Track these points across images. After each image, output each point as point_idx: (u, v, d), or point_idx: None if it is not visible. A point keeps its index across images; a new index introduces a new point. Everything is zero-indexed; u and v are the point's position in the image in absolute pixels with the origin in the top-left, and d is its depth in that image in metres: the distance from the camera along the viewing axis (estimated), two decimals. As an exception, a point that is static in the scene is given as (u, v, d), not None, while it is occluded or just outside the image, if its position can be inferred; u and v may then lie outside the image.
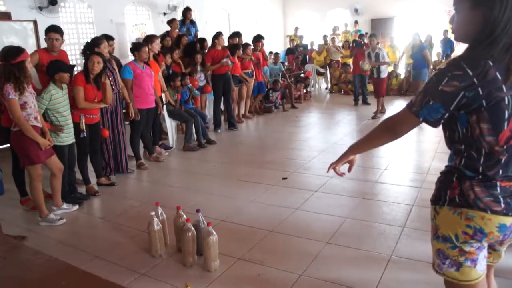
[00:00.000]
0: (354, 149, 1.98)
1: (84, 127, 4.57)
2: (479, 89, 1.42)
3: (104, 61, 4.61)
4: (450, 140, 1.63)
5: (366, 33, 11.67)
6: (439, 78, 1.49)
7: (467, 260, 1.61)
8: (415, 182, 4.71)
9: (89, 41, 5.10)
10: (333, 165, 2.01)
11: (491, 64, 1.41)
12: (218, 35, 7.89)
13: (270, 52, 11.96)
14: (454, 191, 1.59)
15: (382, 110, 8.86)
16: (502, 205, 1.52)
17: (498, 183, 1.53)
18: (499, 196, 1.52)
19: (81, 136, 4.57)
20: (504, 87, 1.42)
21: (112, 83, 5.05)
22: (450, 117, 1.53)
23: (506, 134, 1.48)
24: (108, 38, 5.69)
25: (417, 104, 1.55)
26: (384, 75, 8.68)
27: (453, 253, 1.62)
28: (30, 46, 6.96)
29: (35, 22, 7.49)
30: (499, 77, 1.42)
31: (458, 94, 1.45)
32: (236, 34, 8.64)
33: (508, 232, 1.56)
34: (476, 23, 1.48)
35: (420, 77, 8.51)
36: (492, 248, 1.74)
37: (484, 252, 1.63)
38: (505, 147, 1.50)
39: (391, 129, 1.71)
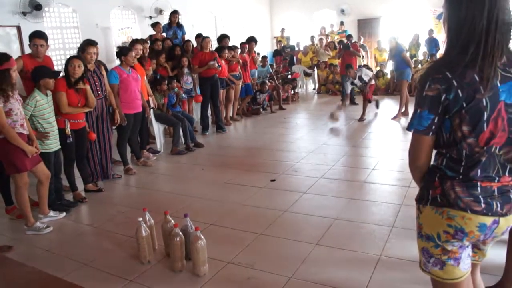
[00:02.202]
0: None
1: (69, 132, 4.52)
2: (459, 91, 1.47)
3: (84, 65, 4.57)
4: (435, 145, 1.65)
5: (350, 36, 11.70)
6: (422, 85, 1.55)
7: (450, 259, 1.64)
8: (403, 182, 4.74)
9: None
10: None
11: (468, 66, 1.47)
12: (204, 38, 7.89)
13: (258, 54, 11.97)
14: (435, 191, 1.62)
15: (405, 113, 8.60)
16: (482, 205, 1.55)
17: (478, 183, 1.56)
18: (480, 196, 1.55)
19: (68, 141, 4.53)
20: (481, 88, 1.46)
21: (98, 88, 5.01)
22: (439, 122, 1.56)
23: (486, 135, 1.51)
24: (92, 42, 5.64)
25: (410, 119, 1.62)
26: (372, 82, 8.74)
27: (436, 252, 1.66)
28: (14, 52, 6.87)
29: (18, 28, 7.42)
30: (477, 79, 1.46)
31: (441, 96, 1.50)
32: (225, 36, 8.63)
33: (489, 232, 1.59)
34: (451, 24, 1.55)
35: (403, 76, 8.50)
36: (476, 247, 1.77)
37: (467, 251, 1.66)
38: (485, 148, 1.53)
39: (410, 157, 1.71)
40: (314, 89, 13.58)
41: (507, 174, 1.57)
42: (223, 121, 8.36)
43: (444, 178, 1.61)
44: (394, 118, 8.39)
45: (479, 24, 1.46)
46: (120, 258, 3.38)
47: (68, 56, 4.81)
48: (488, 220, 1.55)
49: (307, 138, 7.41)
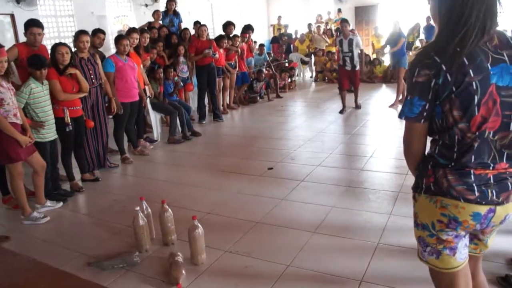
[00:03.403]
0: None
1: (69, 120, 4.50)
2: (447, 75, 1.45)
3: (75, 52, 4.54)
4: (429, 132, 1.62)
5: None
6: (412, 71, 1.52)
7: (445, 249, 1.62)
8: (401, 169, 4.73)
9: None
10: None
11: (458, 49, 1.44)
12: (200, 26, 7.83)
13: (255, 42, 11.90)
14: (429, 179, 1.60)
15: (402, 101, 8.55)
16: (476, 194, 1.51)
17: (472, 171, 1.52)
18: (473, 184, 1.52)
19: (67, 130, 4.51)
20: (471, 71, 1.43)
21: (92, 76, 4.97)
22: (431, 109, 1.54)
23: (477, 119, 1.47)
24: (99, 31, 5.76)
25: (401, 107, 1.60)
26: (358, 67, 8.12)
27: (431, 241, 1.64)
28: (8, 40, 6.84)
29: (12, 16, 7.33)
30: (466, 62, 1.43)
31: (431, 82, 1.48)
32: (230, 23, 8.55)
33: (485, 221, 1.55)
34: (440, 10, 1.53)
35: (400, 64, 8.42)
36: (477, 238, 1.73)
37: (464, 241, 1.64)
38: (477, 133, 1.49)
39: (404, 145, 1.69)
40: (311, 77, 13.53)
41: (504, 160, 1.53)
42: (220, 110, 8.33)
43: (437, 166, 1.58)
44: (391, 105, 8.38)
45: (466, 7, 1.44)
46: (117, 247, 3.37)
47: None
48: (483, 209, 1.52)
49: (304, 126, 7.39)
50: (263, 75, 9.93)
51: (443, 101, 1.49)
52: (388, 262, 2.97)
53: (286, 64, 12.42)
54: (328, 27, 13.56)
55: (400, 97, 8.45)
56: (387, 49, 9.03)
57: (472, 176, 1.51)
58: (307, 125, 7.47)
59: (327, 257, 3.07)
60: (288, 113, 8.68)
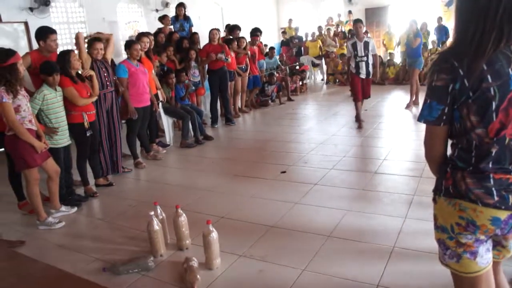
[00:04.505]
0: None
1: (88, 125, 4.56)
2: (465, 80, 1.43)
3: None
4: (450, 135, 1.61)
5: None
6: (431, 76, 1.52)
7: (466, 252, 1.59)
8: (415, 172, 4.68)
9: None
10: None
11: (476, 54, 1.41)
12: (210, 30, 7.87)
13: (265, 45, 11.91)
14: (448, 182, 1.59)
15: (416, 102, 8.33)
16: (496, 198, 1.48)
17: (491, 175, 1.49)
18: (493, 189, 1.49)
19: (87, 134, 4.58)
20: (489, 77, 1.40)
21: (107, 79, 5.03)
22: (450, 112, 1.53)
23: (495, 126, 1.45)
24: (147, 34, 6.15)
25: (420, 110, 1.59)
26: (372, 74, 7.11)
27: (451, 244, 1.61)
28: (22, 48, 6.90)
29: (26, 24, 7.41)
30: (485, 67, 1.40)
31: (448, 86, 1.47)
32: (235, 27, 8.56)
33: (506, 226, 1.52)
34: (463, 13, 1.50)
35: (416, 65, 8.33)
36: (500, 245, 1.70)
37: (486, 246, 1.60)
38: (495, 139, 1.47)
39: (425, 148, 1.68)
40: (322, 79, 13.49)
41: None
42: (232, 114, 8.33)
43: (456, 169, 1.57)
44: (406, 107, 8.30)
45: (491, 13, 1.40)
46: (132, 252, 3.38)
47: (76, 51, 4.79)
48: (503, 214, 1.48)
49: (316, 129, 7.37)
50: (275, 78, 9.93)
51: (460, 106, 1.48)
52: (404, 266, 2.93)
53: (297, 67, 12.39)
54: (340, 29, 13.50)
55: (414, 98, 8.38)
56: (399, 48, 8.89)
57: (492, 180, 1.49)
58: (319, 128, 7.45)
59: (342, 262, 3.05)
60: (299, 116, 8.67)
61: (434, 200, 1.68)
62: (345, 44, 9.76)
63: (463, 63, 1.43)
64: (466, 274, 1.61)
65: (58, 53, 4.60)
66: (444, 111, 1.52)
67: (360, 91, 7.07)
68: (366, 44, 6.86)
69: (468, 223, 1.53)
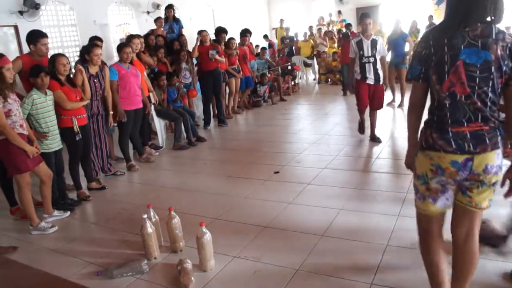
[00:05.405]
0: (411, 143, 2.27)
1: (78, 129, 4.54)
2: (432, 48, 2.03)
3: (68, 61, 4.62)
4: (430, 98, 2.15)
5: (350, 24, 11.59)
6: (416, 45, 2.18)
7: (429, 197, 2.15)
8: (408, 170, 4.67)
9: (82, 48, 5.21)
10: (406, 162, 2.38)
11: (443, 32, 2.02)
12: (201, 31, 7.87)
13: (256, 46, 11.91)
14: (422, 138, 2.13)
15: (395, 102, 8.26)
16: (454, 146, 1.99)
17: (449, 129, 2.01)
18: (451, 139, 2.00)
19: (77, 138, 4.55)
20: (446, 47, 1.98)
21: (99, 92, 5.07)
22: (426, 73, 2.07)
23: (447, 83, 2.00)
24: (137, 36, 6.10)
25: (409, 69, 2.18)
26: (382, 80, 5.94)
27: (422, 189, 2.17)
28: (12, 52, 6.85)
29: (16, 27, 7.37)
30: (445, 41, 1.99)
31: (422, 52, 2.07)
32: (222, 30, 8.55)
33: (464, 168, 2.00)
34: (447, 6, 2.07)
35: (403, 64, 8.28)
36: (469, 190, 2.08)
37: (447, 195, 2.13)
38: (447, 93, 2.00)
39: (409, 100, 2.21)
40: (314, 79, 13.52)
41: (479, 120, 1.98)
42: (224, 115, 8.33)
43: (427, 128, 2.09)
44: (399, 106, 8.32)
45: (454, 6, 2.01)
46: (126, 255, 3.37)
47: (67, 54, 4.78)
48: (460, 158, 1.99)
49: (309, 129, 7.38)
50: (267, 78, 9.94)
51: (429, 68, 2.05)
52: (398, 264, 2.94)
53: (289, 67, 12.41)
54: (330, 29, 13.53)
55: (392, 98, 8.39)
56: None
57: (450, 133, 2.00)
58: (312, 128, 7.46)
59: (336, 261, 3.06)
60: (292, 116, 8.68)
61: (416, 155, 2.19)
62: (342, 43, 9.72)
63: (434, 37, 2.04)
64: (424, 211, 2.20)
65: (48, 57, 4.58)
66: (422, 70, 2.08)
67: (366, 98, 5.92)
68: (374, 43, 5.74)
69: (436, 168, 2.05)
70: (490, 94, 1.95)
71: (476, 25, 1.93)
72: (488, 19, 1.94)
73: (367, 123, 6.24)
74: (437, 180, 2.07)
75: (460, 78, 1.95)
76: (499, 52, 1.91)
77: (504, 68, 1.93)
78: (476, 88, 1.94)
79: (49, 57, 4.63)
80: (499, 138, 1.99)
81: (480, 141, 1.96)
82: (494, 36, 1.92)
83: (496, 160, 1.98)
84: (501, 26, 1.99)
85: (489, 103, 1.96)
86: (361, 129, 6.29)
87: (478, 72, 1.93)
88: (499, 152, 2.00)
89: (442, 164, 2.02)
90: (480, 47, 1.92)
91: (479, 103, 1.95)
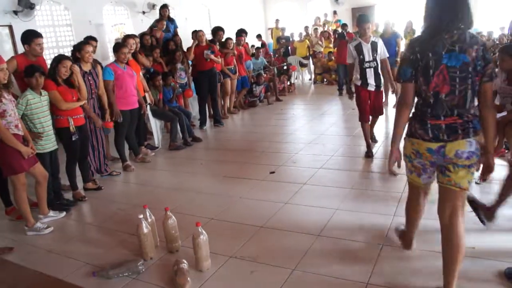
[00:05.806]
0: (394, 142, 2.57)
1: (74, 130, 4.52)
2: (418, 54, 2.35)
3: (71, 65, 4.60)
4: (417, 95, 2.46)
5: (345, 25, 11.59)
6: (405, 51, 2.52)
7: (414, 172, 2.57)
8: (403, 170, 4.69)
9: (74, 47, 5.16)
10: (390, 168, 2.62)
11: (426, 40, 2.33)
12: (197, 31, 7.86)
13: (252, 46, 11.91)
14: (409, 127, 2.50)
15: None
16: (430, 135, 2.36)
17: (428, 121, 2.37)
18: (429, 130, 2.36)
19: (73, 139, 4.53)
20: (430, 54, 2.30)
21: (93, 90, 5.06)
22: (416, 75, 2.37)
23: (432, 85, 2.32)
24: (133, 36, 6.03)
25: (399, 73, 2.48)
26: (382, 85, 5.55)
27: (409, 165, 2.59)
28: (6, 52, 6.83)
29: (10, 27, 7.34)
30: (430, 48, 2.30)
31: (410, 57, 2.38)
32: (219, 29, 8.55)
33: (438, 154, 2.37)
34: (427, 12, 2.40)
35: (395, 64, 8.25)
36: (448, 170, 2.39)
37: (428, 174, 2.53)
38: (432, 92, 2.33)
39: (399, 98, 2.53)
40: (310, 79, 13.53)
41: (455, 115, 2.31)
42: (220, 115, 8.33)
43: (412, 119, 2.47)
44: (394, 106, 8.32)
45: (434, 14, 2.33)
46: (122, 256, 3.36)
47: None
48: (434, 146, 2.36)
49: (305, 129, 7.39)
50: (263, 78, 9.94)
51: (417, 70, 2.36)
52: (393, 263, 2.95)
53: (285, 67, 12.42)
54: (326, 29, 13.54)
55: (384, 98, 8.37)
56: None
57: (429, 125, 2.36)
58: (307, 128, 7.47)
59: (332, 260, 3.06)
60: (288, 116, 8.68)
61: (404, 140, 2.56)
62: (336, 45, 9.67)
63: (419, 44, 2.36)
64: (412, 181, 2.64)
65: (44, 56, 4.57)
66: (412, 73, 2.38)
67: (368, 109, 5.44)
68: (374, 46, 5.26)
69: (416, 152, 2.47)
70: (469, 91, 2.29)
71: (453, 33, 2.26)
72: (462, 26, 2.25)
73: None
74: (418, 161, 2.50)
75: (444, 80, 2.28)
76: (473, 54, 2.24)
77: (478, 67, 2.25)
78: (457, 86, 2.28)
79: (44, 57, 4.62)
80: (471, 130, 2.31)
81: (453, 131, 2.31)
82: (468, 41, 2.25)
83: (467, 147, 2.31)
84: (472, 31, 2.34)
85: (468, 99, 2.30)
86: (369, 151, 5.44)
87: (458, 72, 2.26)
88: (471, 140, 2.31)
89: (420, 150, 2.43)
90: (458, 51, 2.25)
91: (458, 100, 2.29)
